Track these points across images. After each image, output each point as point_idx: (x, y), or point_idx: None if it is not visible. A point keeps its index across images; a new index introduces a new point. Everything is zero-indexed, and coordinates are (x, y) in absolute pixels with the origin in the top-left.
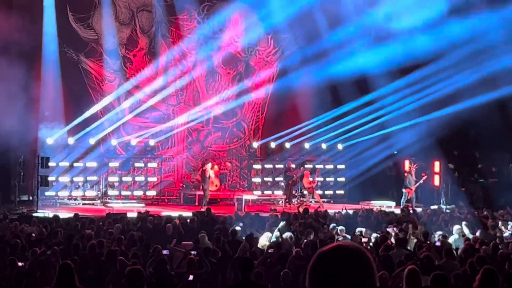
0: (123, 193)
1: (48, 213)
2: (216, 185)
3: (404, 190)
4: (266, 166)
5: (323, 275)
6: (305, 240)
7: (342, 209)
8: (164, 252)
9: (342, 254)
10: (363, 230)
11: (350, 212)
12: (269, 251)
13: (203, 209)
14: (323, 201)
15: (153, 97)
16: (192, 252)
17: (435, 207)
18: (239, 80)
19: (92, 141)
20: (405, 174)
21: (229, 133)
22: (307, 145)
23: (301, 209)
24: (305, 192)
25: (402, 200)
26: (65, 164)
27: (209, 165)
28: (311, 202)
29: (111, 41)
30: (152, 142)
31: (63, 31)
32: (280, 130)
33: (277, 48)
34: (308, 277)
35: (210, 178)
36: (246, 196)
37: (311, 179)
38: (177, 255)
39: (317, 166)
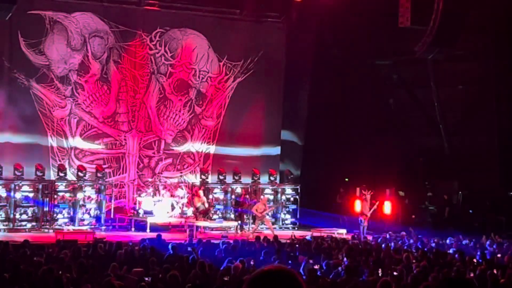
0: (73, 219)
1: None
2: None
3: (360, 218)
4: (217, 193)
5: None
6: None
7: (292, 236)
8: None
9: (274, 276)
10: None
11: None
12: (225, 278)
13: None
14: (274, 228)
15: (105, 123)
16: (146, 279)
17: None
18: (190, 107)
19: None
20: (360, 200)
21: (180, 159)
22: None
23: (252, 236)
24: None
25: (361, 227)
26: None
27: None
28: (262, 229)
29: (62, 67)
30: (103, 168)
31: (14, 56)
32: (232, 155)
33: (229, 75)
34: None
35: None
36: (198, 223)
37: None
38: (128, 282)
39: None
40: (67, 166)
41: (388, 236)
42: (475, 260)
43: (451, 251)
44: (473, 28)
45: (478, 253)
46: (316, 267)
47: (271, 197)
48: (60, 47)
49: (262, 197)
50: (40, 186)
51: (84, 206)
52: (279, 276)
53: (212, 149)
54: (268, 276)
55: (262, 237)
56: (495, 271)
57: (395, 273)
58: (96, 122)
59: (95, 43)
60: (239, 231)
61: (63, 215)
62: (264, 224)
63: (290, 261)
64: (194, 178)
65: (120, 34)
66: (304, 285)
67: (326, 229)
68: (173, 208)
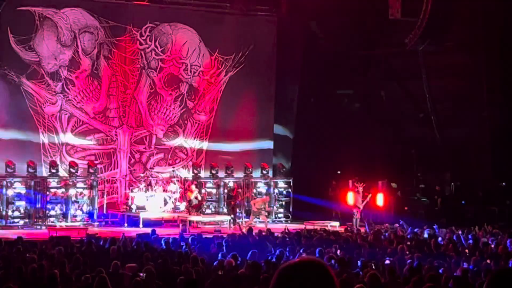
0: (66, 215)
1: None
2: (196, 197)
3: (353, 210)
4: (210, 187)
5: None
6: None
7: (285, 230)
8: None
9: (305, 268)
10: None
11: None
12: (219, 273)
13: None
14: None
15: (96, 118)
16: (140, 274)
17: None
18: (181, 101)
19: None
20: (352, 193)
21: (171, 154)
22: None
23: (244, 230)
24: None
25: (354, 220)
26: None
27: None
28: (255, 222)
29: (53, 63)
30: (94, 164)
31: (4, 53)
32: (225, 151)
33: (221, 69)
34: None
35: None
36: (191, 217)
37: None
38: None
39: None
40: (58, 162)
41: (381, 228)
42: (467, 251)
43: (444, 242)
44: (463, 20)
45: (471, 243)
46: None
47: (264, 191)
48: (50, 43)
49: (263, 195)
50: (32, 183)
51: (77, 202)
52: (311, 268)
53: (205, 143)
54: (300, 268)
55: (257, 231)
56: (488, 261)
57: (387, 262)
58: (87, 118)
59: (85, 39)
60: (232, 225)
61: (56, 211)
62: (259, 218)
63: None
64: (187, 173)
65: (110, 30)
66: (335, 277)
67: (319, 221)
68: (165, 203)
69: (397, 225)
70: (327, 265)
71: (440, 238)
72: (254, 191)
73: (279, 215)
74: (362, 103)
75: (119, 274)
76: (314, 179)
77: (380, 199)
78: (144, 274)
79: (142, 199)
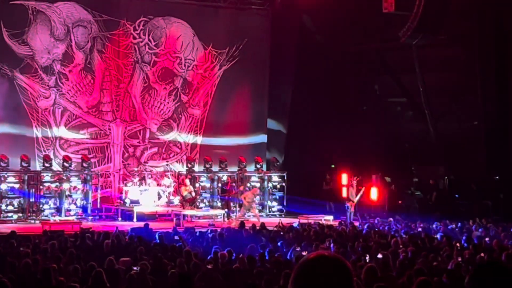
0: (60, 209)
1: None
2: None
3: (347, 204)
4: (204, 181)
5: (307, 283)
6: (241, 255)
7: (279, 224)
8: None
9: (326, 263)
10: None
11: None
12: (208, 266)
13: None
14: (261, 215)
15: (89, 112)
16: (134, 268)
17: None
18: (175, 95)
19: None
20: (347, 187)
21: (165, 148)
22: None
23: (235, 224)
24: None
25: (348, 214)
26: None
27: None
28: (249, 216)
29: (46, 57)
30: (88, 158)
31: None
32: (219, 145)
33: (215, 63)
34: (291, 285)
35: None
36: (184, 211)
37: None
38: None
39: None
40: (52, 156)
41: (375, 221)
42: (458, 245)
43: (438, 236)
44: (457, 13)
45: (464, 237)
46: (304, 253)
47: (258, 185)
48: (43, 37)
49: (250, 186)
50: (26, 177)
51: (70, 196)
52: (329, 262)
53: (199, 137)
54: (318, 263)
55: (250, 225)
56: (482, 255)
57: (379, 256)
58: (81, 112)
59: (78, 33)
60: (226, 219)
61: (50, 205)
62: (251, 212)
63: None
64: (181, 167)
65: (104, 24)
66: (353, 272)
67: (313, 215)
68: (159, 197)
69: (391, 219)
70: (344, 259)
71: (433, 232)
72: (249, 185)
73: (273, 209)
74: (356, 97)
75: (115, 270)
76: (308, 173)
77: (374, 193)
78: (138, 268)
79: (136, 193)
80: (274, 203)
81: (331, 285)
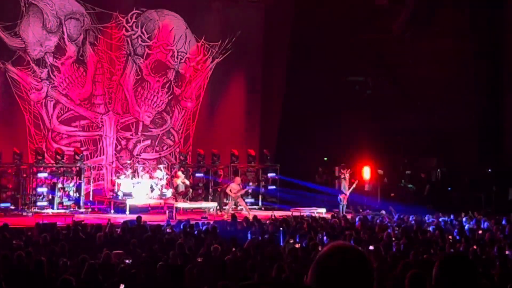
0: (52, 202)
1: None
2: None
3: (339, 196)
4: (197, 174)
5: (329, 274)
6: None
7: (271, 216)
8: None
9: (344, 254)
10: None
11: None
12: (198, 260)
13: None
14: (254, 208)
15: (81, 105)
16: (127, 261)
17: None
18: (168, 88)
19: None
20: (339, 180)
21: (158, 141)
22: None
23: (227, 217)
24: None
25: (340, 206)
26: None
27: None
28: (241, 210)
29: (38, 50)
30: (81, 151)
31: None
32: (212, 137)
33: (208, 56)
34: (313, 275)
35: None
36: (177, 204)
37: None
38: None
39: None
40: (44, 149)
41: (367, 214)
42: (450, 237)
43: (430, 228)
44: (450, 6)
45: (456, 230)
46: (297, 246)
47: (249, 177)
48: (36, 30)
49: (233, 177)
50: (18, 170)
51: (63, 189)
52: (349, 254)
53: (192, 130)
54: (339, 254)
55: (243, 218)
56: (475, 247)
57: (370, 247)
58: (73, 105)
59: (71, 25)
60: (218, 212)
61: (42, 198)
62: (240, 205)
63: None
64: (174, 160)
65: (96, 16)
66: (373, 264)
67: (306, 208)
68: (152, 189)
69: (383, 212)
70: (362, 250)
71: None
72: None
73: (266, 202)
74: (349, 89)
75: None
76: (301, 166)
77: (366, 186)
78: (130, 261)
79: (129, 186)
80: (266, 196)
81: (354, 278)
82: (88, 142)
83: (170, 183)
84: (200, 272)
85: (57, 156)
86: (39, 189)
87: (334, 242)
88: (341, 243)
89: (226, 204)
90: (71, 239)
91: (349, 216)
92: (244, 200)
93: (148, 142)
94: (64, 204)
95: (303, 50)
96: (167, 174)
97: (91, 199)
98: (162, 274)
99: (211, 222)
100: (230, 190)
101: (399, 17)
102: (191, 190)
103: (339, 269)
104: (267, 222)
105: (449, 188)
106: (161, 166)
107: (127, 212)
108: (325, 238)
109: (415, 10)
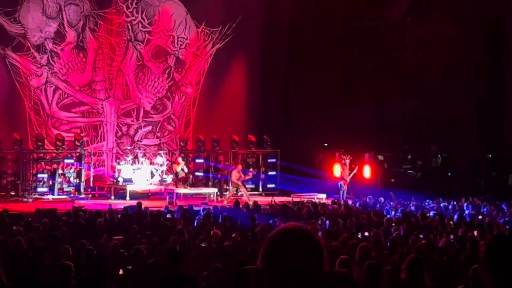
0: (53, 188)
1: None
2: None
3: (340, 182)
4: (197, 160)
5: (277, 255)
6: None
7: (272, 202)
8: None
9: (292, 234)
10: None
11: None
12: (202, 245)
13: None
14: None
15: (81, 91)
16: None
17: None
18: (169, 74)
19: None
20: (339, 165)
21: (159, 127)
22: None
23: (227, 203)
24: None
25: (341, 192)
26: None
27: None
28: (242, 195)
29: (38, 35)
30: (81, 137)
31: None
32: (212, 123)
33: (208, 42)
34: (261, 258)
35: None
36: (177, 190)
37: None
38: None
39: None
40: (44, 135)
41: (368, 200)
42: (451, 223)
43: (430, 214)
44: None
45: (457, 215)
46: None
47: (250, 163)
48: (35, 15)
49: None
50: (19, 156)
51: (63, 175)
52: (297, 234)
53: (192, 116)
54: (289, 234)
55: (243, 203)
56: (475, 233)
57: (366, 234)
58: (72, 91)
59: (70, 11)
60: (219, 198)
61: (42, 184)
62: (241, 191)
63: None
64: (174, 145)
65: (96, 2)
66: (323, 243)
67: (306, 194)
68: (152, 175)
69: (381, 198)
70: (314, 230)
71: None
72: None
73: (266, 188)
74: (349, 75)
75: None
76: (301, 152)
77: (367, 171)
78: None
79: (129, 172)
80: (267, 182)
81: (299, 257)
82: (89, 128)
83: (170, 169)
84: (202, 257)
85: (57, 142)
86: (40, 175)
87: (284, 224)
88: (289, 225)
89: (226, 190)
90: (72, 224)
91: (349, 202)
92: (244, 186)
93: (149, 128)
94: (65, 190)
95: (303, 34)
96: (167, 160)
97: (91, 185)
98: (161, 259)
99: (211, 208)
100: (233, 177)
101: (399, 2)
102: (191, 176)
103: (283, 249)
104: (267, 207)
105: (449, 174)
106: (161, 152)
107: (127, 198)
108: (327, 222)
109: None
